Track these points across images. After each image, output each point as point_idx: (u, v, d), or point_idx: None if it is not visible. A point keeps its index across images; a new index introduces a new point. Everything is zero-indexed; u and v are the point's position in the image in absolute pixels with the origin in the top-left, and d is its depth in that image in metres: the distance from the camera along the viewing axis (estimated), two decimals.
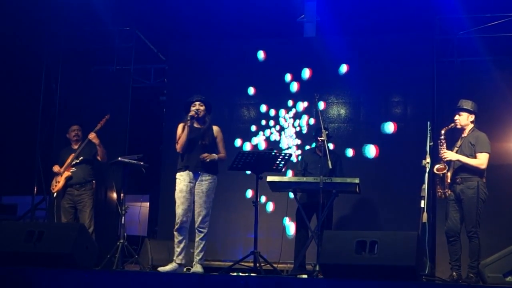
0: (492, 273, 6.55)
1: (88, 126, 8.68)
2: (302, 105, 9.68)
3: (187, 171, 7.22)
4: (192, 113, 7.29)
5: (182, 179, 7.23)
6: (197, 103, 7.35)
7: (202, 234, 7.17)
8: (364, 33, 9.78)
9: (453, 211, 7.26)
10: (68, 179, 8.46)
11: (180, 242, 7.16)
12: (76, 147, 8.59)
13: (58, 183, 8.47)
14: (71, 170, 8.47)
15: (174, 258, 7.14)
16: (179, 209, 7.19)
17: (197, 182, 7.21)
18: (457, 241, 7.22)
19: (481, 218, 7.15)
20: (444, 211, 7.45)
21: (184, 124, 7.28)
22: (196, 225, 7.20)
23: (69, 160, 8.49)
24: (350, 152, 9.32)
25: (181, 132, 7.28)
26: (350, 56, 9.51)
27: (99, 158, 8.53)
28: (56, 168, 8.55)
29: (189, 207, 7.20)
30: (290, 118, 9.70)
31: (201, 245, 7.17)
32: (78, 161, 8.50)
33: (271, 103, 9.83)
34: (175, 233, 7.19)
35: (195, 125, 7.32)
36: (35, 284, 5.56)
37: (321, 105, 9.35)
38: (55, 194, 8.58)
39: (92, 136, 8.42)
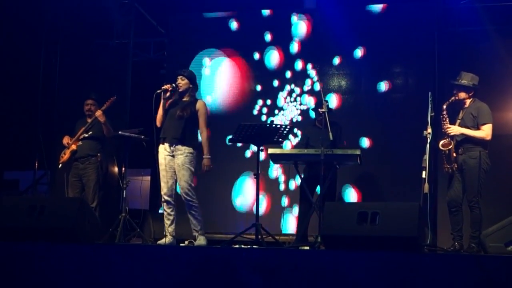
0: (493, 243, 6.55)
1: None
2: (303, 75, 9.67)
3: (165, 144, 7.22)
4: (165, 86, 7.27)
5: (161, 151, 7.24)
6: (178, 77, 7.35)
7: (192, 207, 7.16)
8: (364, 3, 9.68)
9: (455, 181, 7.25)
10: (73, 152, 8.49)
11: (169, 214, 7.18)
12: (89, 120, 8.60)
13: (64, 156, 8.51)
14: (78, 144, 8.50)
15: (165, 231, 7.18)
16: (162, 182, 7.23)
17: (174, 155, 7.19)
18: (459, 212, 7.23)
19: (483, 188, 7.15)
20: (446, 182, 7.45)
21: (162, 98, 7.28)
22: (183, 199, 7.22)
23: (78, 133, 8.53)
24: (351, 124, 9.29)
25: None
26: (351, 27, 9.44)
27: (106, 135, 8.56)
28: (65, 140, 8.58)
29: (171, 179, 7.20)
30: (291, 90, 9.69)
31: (194, 217, 7.16)
32: (87, 135, 8.51)
33: (273, 75, 9.79)
34: (163, 205, 7.22)
35: (176, 97, 7.33)
36: (37, 259, 5.56)
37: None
38: (60, 166, 8.62)
39: (98, 113, 8.44)
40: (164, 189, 7.19)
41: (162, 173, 7.22)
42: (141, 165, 9.82)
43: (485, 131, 7.19)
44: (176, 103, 7.32)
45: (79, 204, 6.19)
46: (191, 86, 7.38)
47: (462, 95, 7.32)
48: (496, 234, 6.61)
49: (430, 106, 7.34)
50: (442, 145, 7.25)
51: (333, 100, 9.37)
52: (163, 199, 7.20)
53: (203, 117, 7.32)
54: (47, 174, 10.01)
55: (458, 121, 7.33)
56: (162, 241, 7.13)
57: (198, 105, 7.32)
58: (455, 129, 7.24)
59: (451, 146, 7.22)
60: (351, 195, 9.12)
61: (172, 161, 7.19)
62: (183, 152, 7.15)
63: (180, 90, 7.32)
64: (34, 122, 10.19)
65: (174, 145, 7.17)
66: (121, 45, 10.36)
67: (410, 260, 4.94)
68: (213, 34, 10.11)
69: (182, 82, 7.33)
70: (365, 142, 9.12)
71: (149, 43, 10.73)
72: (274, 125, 7.39)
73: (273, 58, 9.83)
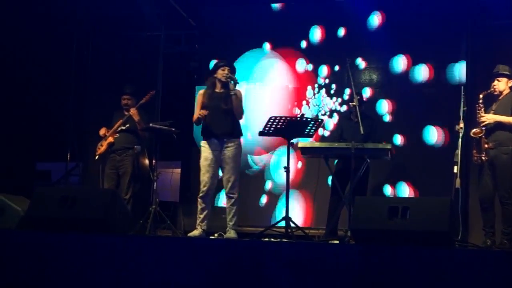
0: None
1: (118, 92, 8.77)
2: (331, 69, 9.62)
3: (212, 138, 7.22)
4: (223, 77, 7.23)
5: (207, 147, 7.23)
6: (227, 68, 7.33)
7: (233, 200, 7.19)
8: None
9: (486, 177, 7.17)
10: (110, 145, 8.57)
11: (203, 209, 7.21)
12: (127, 114, 8.68)
13: (101, 147, 8.60)
14: (115, 136, 8.58)
15: (197, 225, 7.20)
16: (205, 177, 7.22)
17: (223, 149, 7.20)
18: (490, 208, 7.15)
19: None
20: (477, 176, 7.37)
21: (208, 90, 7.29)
22: (226, 191, 7.22)
23: (116, 126, 8.63)
24: (386, 118, 9.23)
25: (202, 99, 7.29)
26: (381, 19, 9.36)
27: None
28: (102, 132, 8.68)
29: (214, 174, 7.22)
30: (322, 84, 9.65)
31: (233, 211, 7.19)
32: (124, 127, 8.60)
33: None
34: (199, 200, 7.24)
35: (217, 90, 7.29)
36: (69, 249, 5.62)
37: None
38: (97, 157, 8.70)
39: (132, 112, 8.54)
40: (208, 184, 7.21)
41: (206, 168, 7.23)
42: (171, 157, 9.86)
43: None
44: (213, 95, 7.29)
45: (111, 195, 6.23)
46: None
47: (503, 86, 7.22)
48: None
49: (462, 100, 7.27)
50: (474, 133, 7.17)
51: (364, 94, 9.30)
52: (202, 193, 7.22)
53: (238, 101, 7.30)
54: (78, 165, 10.11)
55: (492, 111, 7.23)
56: (192, 234, 7.15)
57: (237, 93, 7.31)
58: (489, 118, 7.14)
59: (482, 135, 7.12)
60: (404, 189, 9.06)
61: (219, 155, 7.20)
62: (233, 145, 7.21)
63: (224, 81, 7.29)
64: (66, 114, 10.28)
65: (224, 140, 7.20)
66: (152, 38, 10.39)
67: (441, 255, 4.90)
68: (245, 26, 10.07)
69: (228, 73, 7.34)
70: (398, 137, 9.05)
71: (180, 35, 10.74)
72: (304, 118, 7.36)
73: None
